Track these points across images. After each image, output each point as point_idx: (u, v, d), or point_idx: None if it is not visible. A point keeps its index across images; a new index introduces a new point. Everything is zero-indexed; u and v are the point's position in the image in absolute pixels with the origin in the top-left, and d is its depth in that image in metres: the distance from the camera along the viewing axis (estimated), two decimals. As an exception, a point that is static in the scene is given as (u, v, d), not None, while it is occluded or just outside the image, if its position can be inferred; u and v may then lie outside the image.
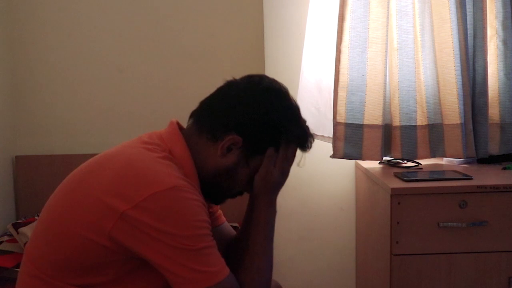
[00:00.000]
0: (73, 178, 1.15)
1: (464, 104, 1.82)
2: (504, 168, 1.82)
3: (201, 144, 1.15)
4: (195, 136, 1.16)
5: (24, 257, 1.15)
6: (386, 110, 1.88)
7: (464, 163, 1.92)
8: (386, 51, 1.83)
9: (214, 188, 1.18)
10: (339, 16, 1.84)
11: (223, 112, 1.15)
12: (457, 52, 1.80)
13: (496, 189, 1.54)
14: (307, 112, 2.02)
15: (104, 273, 1.05)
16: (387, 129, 1.90)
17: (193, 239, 1.00)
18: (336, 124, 1.87)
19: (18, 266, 2.08)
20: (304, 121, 1.23)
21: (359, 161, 2.01)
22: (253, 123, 1.13)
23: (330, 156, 1.88)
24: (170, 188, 1.01)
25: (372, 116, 1.84)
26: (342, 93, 1.85)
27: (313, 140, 1.24)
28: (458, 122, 1.81)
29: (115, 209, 1.00)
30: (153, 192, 1.00)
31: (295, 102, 1.21)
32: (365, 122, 1.85)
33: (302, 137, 1.20)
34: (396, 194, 1.55)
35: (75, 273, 1.05)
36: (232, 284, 1.05)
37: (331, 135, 1.91)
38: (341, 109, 1.85)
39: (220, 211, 1.38)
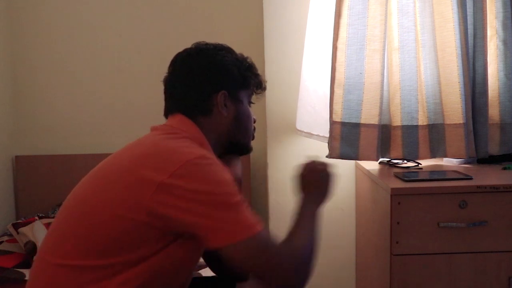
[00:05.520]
0: (101, 168, 1.20)
1: (466, 104, 1.82)
2: (504, 168, 1.82)
3: (205, 124, 1.25)
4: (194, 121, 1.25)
5: (42, 249, 1.17)
6: (384, 110, 1.88)
7: (464, 163, 1.91)
8: (384, 50, 1.83)
9: (239, 140, 1.30)
10: (335, 13, 1.83)
11: (194, 89, 1.26)
12: (459, 52, 1.79)
13: (496, 189, 1.54)
14: (304, 111, 2.02)
15: (142, 249, 1.09)
16: (385, 129, 1.89)
17: (228, 196, 1.08)
18: (332, 123, 1.85)
19: (18, 266, 2.08)
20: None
21: (359, 161, 2.01)
22: (219, 74, 1.27)
23: (326, 156, 1.88)
24: (199, 156, 1.11)
25: (370, 115, 1.83)
26: (338, 91, 1.84)
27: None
28: (461, 122, 1.80)
29: (151, 182, 1.06)
30: (185, 161, 1.08)
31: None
32: (362, 121, 1.84)
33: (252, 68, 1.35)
34: (396, 194, 1.55)
35: (112, 253, 1.08)
36: (268, 238, 1.10)
37: (326, 135, 1.90)
38: (338, 107, 1.84)
39: None
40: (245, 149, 1.34)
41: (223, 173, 1.12)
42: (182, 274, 1.20)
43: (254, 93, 1.37)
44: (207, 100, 1.25)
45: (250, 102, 1.36)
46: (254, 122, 1.37)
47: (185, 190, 1.06)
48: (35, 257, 1.20)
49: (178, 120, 1.25)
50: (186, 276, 1.23)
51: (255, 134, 1.37)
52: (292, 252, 1.12)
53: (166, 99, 1.31)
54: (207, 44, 1.34)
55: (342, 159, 1.86)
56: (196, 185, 1.06)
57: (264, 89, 1.39)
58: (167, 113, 1.30)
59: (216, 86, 1.26)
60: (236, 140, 1.30)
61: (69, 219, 1.15)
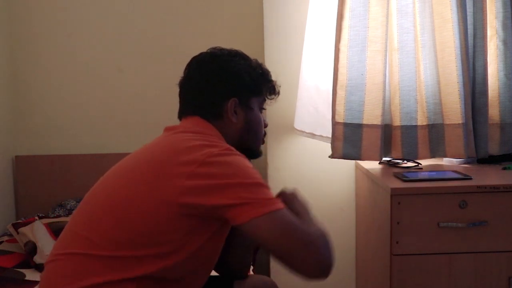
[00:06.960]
0: (127, 165, 1.23)
1: (465, 104, 1.82)
2: (504, 168, 1.82)
3: (218, 127, 1.29)
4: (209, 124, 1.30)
5: (63, 243, 1.19)
6: (386, 110, 1.88)
7: (464, 163, 1.91)
8: (385, 51, 1.83)
9: (249, 145, 1.34)
10: (337, 15, 1.84)
11: (206, 94, 1.31)
12: (459, 52, 1.79)
13: (496, 189, 1.54)
14: (305, 112, 2.02)
15: (173, 242, 1.14)
16: (386, 129, 1.89)
17: (253, 177, 1.14)
18: (335, 123, 1.86)
19: (18, 266, 2.08)
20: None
21: (359, 161, 2.01)
22: (230, 81, 1.30)
23: (329, 156, 1.88)
24: (225, 149, 1.18)
25: (372, 116, 1.84)
26: (341, 93, 1.85)
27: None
28: (460, 122, 1.81)
29: (181, 174, 1.11)
30: (215, 152, 1.14)
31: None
32: (364, 122, 1.84)
33: (266, 74, 1.40)
34: (396, 194, 1.55)
35: (143, 245, 1.13)
36: (294, 217, 1.12)
37: (329, 135, 1.90)
38: (340, 108, 1.85)
39: None
40: (254, 154, 1.37)
41: (246, 161, 1.18)
42: (208, 267, 1.27)
43: (267, 99, 1.41)
44: (218, 106, 1.29)
45: (261, 109, 1.39)
46: (266, 126, 1.40)
47: (214, 175, 1.11)
48: (55, 251, 1.21)
49: (195, 121, 1.29)
50: (208, 269, 1.28)
51: (265, 138, 1.41)
52: (321, 233, 1.12)
53: (180, 102, 1.35)
54: (222, 49, 1.36)
55: (345, 159, 1.86)
56: (225, 169, 1.12)
57: (277, 94, 1.43)
58: (181, 115, 1.34)
59: (227, 93, 1.30)
60: (246, 146, 1.33)
61: (96, 214, 1.18)
